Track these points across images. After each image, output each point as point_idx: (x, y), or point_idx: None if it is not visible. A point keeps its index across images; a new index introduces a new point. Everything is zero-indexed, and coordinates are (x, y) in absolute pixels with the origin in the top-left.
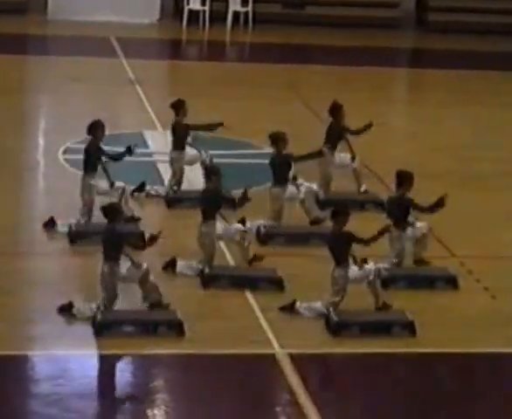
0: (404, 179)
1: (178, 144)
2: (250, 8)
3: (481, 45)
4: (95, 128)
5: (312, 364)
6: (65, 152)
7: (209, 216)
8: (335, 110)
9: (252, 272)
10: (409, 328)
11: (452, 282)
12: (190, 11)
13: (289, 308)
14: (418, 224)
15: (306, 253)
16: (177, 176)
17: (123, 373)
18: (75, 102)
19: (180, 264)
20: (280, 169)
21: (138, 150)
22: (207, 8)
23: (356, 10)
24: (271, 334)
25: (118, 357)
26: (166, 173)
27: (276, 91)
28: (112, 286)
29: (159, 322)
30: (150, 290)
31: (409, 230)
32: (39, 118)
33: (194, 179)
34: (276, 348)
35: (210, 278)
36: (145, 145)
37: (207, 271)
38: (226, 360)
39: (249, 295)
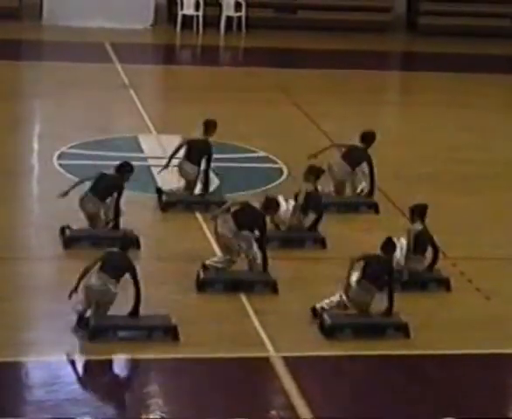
0: None
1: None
2: (243, 13)
3: (471, 48)
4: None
5: (306, 367)
6: (59, 157)
7: None
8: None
9: (246, 276)
10: (403, 330)
11: (444, 284)
12: (184, 16)
13: None
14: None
15: (300, 256)
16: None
17: (118, 378)
18: (70, 107)
19: None
20: None
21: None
22: (201, 13)
23: (348, 15)
24: (265, 337)
25: (112, 363)
26: (160, 177)
27: (269, 95)
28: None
29: (154, 327)
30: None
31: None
32: (34, 123)
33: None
34: (270, 351)
35: (204, 282)
36: (139, 149)
37: (201, 275)
38: (221, 363)
39: (243, 298)
